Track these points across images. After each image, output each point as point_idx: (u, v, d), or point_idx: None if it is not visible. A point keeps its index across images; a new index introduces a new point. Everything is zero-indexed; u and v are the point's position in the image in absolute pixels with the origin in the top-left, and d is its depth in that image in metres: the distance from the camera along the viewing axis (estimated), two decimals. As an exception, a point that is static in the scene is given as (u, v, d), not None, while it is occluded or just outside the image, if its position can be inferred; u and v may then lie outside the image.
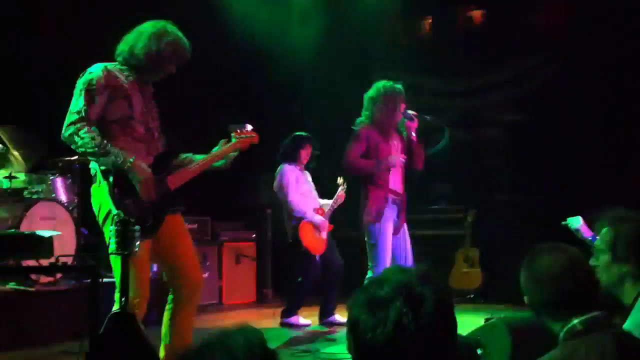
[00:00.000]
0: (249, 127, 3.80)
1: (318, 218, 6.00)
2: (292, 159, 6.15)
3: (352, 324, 1.35)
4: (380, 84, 4.93)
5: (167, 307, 3.55)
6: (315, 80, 8.35)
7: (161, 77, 3.57)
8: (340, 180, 6.24)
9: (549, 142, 7.70)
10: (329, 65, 8.64)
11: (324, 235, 6.07)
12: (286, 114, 8.22)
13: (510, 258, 7.07)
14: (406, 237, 4.99)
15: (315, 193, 6.28)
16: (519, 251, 7.14)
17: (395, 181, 4.95)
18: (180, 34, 3.52)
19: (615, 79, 7.39)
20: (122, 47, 3.49)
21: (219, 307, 7.47)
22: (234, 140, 3.74)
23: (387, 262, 4.80)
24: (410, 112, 4.96)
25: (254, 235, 8.11)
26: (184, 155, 3.69)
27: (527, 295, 2.02)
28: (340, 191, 6.23)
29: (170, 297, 3.55)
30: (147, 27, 3.49)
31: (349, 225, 5.64)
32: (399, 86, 4.92)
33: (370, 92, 4.95)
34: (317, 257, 6.06)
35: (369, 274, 4.74)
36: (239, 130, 3.76)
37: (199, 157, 3.67)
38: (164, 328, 3.55)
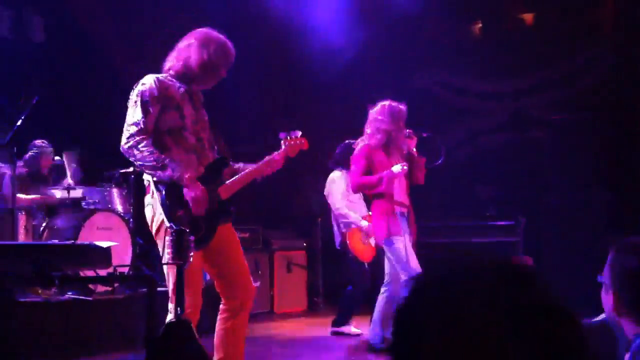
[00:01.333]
0: (298, 134, 3.79)
1: (365, 224, 5.90)
2: (344, 165, 6.12)
3: None
4: (387, 103, 5.05)
5: (219, 316, 3.58)
6: (362, 85, 8.36)
7: (214, 84, 3.61)
8: None
9: (599, 143, 7.52)
10: (375, 68, 8.63)
11: (373, 242, 5.96)
12: (334, 119, 8.24)
13: (563, 266, 6.95)
14: (410, 247, 5.02)
15: (363, 201, 6.21)
16: (572, 259, 7.00)
17: (400, 193, 5.04)
18: (223, 37, 3.56)
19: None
20: (173, 61, 3.53)
21: (270, 315, 7.51)
22: (283, 147, 3.72)
23: (416, 264, 4.86)
24: (407, 130, 5.07)
25: (305, 244, 8.15)
26: (236, 165, 3.71)
27: (612, 289, 1.94)
28: None
29: (221, 306, 3.58)
30: (192, 37, 3.54)
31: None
32: (403, 107, 5.04)
33: (376, 110, 5.06)
34: (366, 265, 6.03)
35: (403, 279, 4.84)
36: (288, 137, 3.75)
37: (250, 166, 3.67)
38: (217, 337, 3.58)
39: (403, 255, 4.85)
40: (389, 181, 4.92)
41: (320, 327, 6.46)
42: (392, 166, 4.95)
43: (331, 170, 6.22)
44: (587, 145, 7.55)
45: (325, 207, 6.72)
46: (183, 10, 7.43)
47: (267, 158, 3.67)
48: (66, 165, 6.10)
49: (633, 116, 7.33)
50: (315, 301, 7.99)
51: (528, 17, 8.66)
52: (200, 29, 3.57)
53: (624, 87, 7.42)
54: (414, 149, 5.13)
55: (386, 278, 5.11)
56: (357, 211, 6.03)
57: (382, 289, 5.14)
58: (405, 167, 4.96)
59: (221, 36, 3.56)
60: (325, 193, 6.18)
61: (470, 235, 7.20)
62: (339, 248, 6.04)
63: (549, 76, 8.29)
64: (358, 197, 6.11)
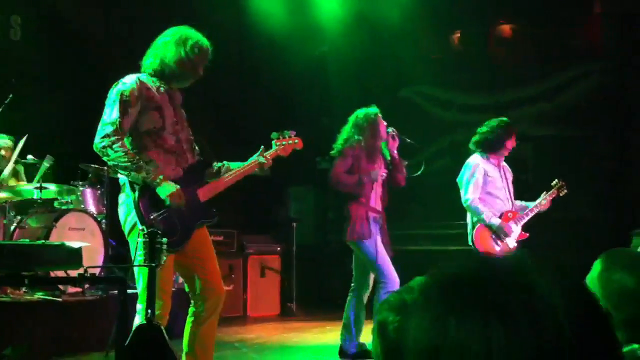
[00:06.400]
0: (293, 133, 3.77)
1: (496, 221, 5.10)
2: (492, 149, 5.24)
3: (380, 326, 1.37)
4: (361, 112, 5.05)
5: (189, 318, 3.55)
6: (346, 94, 8.39)
7: (192, 82, 3.58)
8: (554, 182, 5.43)
9: (581, 157, 7.61)
10: (359, 79, 8.68)
11: (511, 243, 5.19)
12: (316, 128, 8.25)
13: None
14: None
15: (508, 193, 5.34)
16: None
17: (376, 199, 5.01)
18: (199, 34, 3.54)
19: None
20: (151, 59, 3.51)
21: (243, 319, 7.48)
22: (274, 146, 3.73)
23: (391, 268, 4.85)
24: (391, 130, 5.03)
25: (279, 249, 8.13)
26: (218, 164, 3.68)
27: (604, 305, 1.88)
28: (548, 195, 5.35)
29: (192, 309, 3.55)
30: (169, 35, 3.52)
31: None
32: (373, 111, 5.03)
33: (353, 120, 5.06)
34: None
35: (379, 285, 4.83)
36: (280, 137, 3.74)
37: (235, 166, 3.66)
38: (186, 339, 3.55)
39: (377, 258, 4.85)
40: (364, 185, 4.91)
41: (292, 332, 6.43)
42: (374, 169, 4.95)
43: (472, 152, 5.33)
44: (569, 160, 7.64)
45: (301, 213, 6.65)
46: (170, 10, 7.41)
47: (254, 159, 3.66)
48: (40, 169, 6.00)
49: (617, 133, 7.43)
50: (288, 306, 7.96)
51: (509, 30, 8.75)
52: (177, 27, 3.55)
53: (608, 104, 7.53)
54: (396, 152, 5.09)
55: (353, 282, 5.09)
56: (494, 204, 5.21)
57: (350, 294, 5.09)
58: (383, 174, 4.96)
59: (198, 33, 3.54)
60: (458, 179, 5.30)
61: (447, 243, 7.25)
62: (469, 243, 5.29)
63: (532, 90, 8.38)
64: (502, 188, 5.30)
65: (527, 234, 5.28)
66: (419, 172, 5.40)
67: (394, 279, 4.82)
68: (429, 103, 9.03)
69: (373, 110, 5.07)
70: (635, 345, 1.78)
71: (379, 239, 4.95)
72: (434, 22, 8.80)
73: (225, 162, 3.71)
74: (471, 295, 0.81)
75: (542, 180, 7.94)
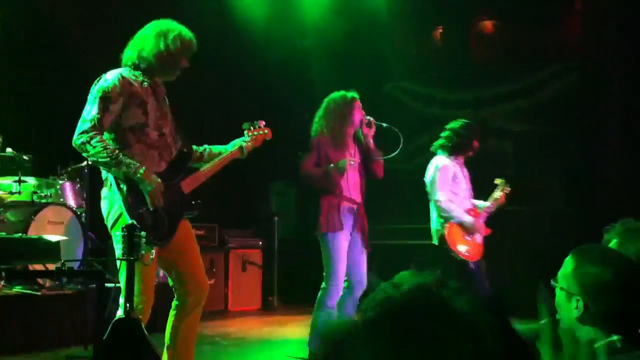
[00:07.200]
0: (262, 123, 3.84)
1: (468, 218, 5.16)
2: (459, 150, 5.30)
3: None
4: (333, 96, 4.82)
5: (172, 312, 3.54)
6: (328, 89, 8.38)
7: (176, 75, 3.54)
8: (498, 180, 5.46)
9: (558, 154, 7.68)
10: (340, 74, 8.67)
11: (478, 238, 5.24)
12: (298, 122, 8.25)
13: (518, 271, 7.06)
14: (359, 247, 4.69)
15: (470, 192, 5.42)
16: (527, 264, 6.99)
17: (352, 189, 4.69)
18: (182, 27, 3.51)
19: (628, 93, 7.40)
20: (130, 52, 3.48)
21: (224, 313, 7.47)
22: (246, 137, 3.77)
23: (342, 273, 4.58)
24: (368, 117, 4.80)
25: (261, 243, 8.13)
26: (200, 148, 3.72)
27: (581, 299, 1.86)
28: (500, 192, 5.40)
29: (175, 302, 3.54)
30: (150, 28, 3.49)
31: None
32: (351, 94, 4.79)
33: (323, 105, 4.84)
34: (472, 264, 5.14)
35: (323, 285, 4.57)
36: (251, 128, 3.79)
37: (216, 149, 3.72)
38: (168, 333, 3.54)
39: (334, 256, 4.54)
40: (333, 176, 4.57)
41: (273, 326, 6.43)
42: (340, 160, 4.59)
43: (435, 153, 5.35)
44: (547, 157, 7.71)
45: (281, 207, 6.61)
46: (148, 4, 7.35)
47: (230, 149, 3.70)
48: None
49: (593, 131, 7.51)
50: (269, 300, 7.97)
51: (490, 26, 8.80)
52: (160, 20, 3.51)
53: (585, 101, 7.61)
54: (371, 141, 4.80)
55: (325, 274, 4.68)
56: (460, 203, 5.22)
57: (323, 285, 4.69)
58: (353, 162, 4.65)
59: (180, 26, 3.51)
60: (426, 180, 5.28)
61: (427, 237, 7.29)
62: (436, 243, 5.22)
63: (511, 87, 8.44)
64: (466, 188, 5.34)
65: (490, 230, 5.36)
66: (395, 153, 5.12)
67: (338, 290, 4.54)
68: (410, 99, 9.06)
69: (337, 94, 4.82)
70: (615, 337, 1.81)
71: (349, 235, 4.64)
72: (415, 18, 8.83)
73: (206, 145, 3.74)
74: (414, 329, 0.89)
75: (524, 175, 8.06)
